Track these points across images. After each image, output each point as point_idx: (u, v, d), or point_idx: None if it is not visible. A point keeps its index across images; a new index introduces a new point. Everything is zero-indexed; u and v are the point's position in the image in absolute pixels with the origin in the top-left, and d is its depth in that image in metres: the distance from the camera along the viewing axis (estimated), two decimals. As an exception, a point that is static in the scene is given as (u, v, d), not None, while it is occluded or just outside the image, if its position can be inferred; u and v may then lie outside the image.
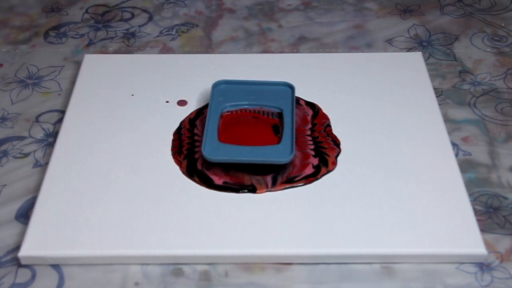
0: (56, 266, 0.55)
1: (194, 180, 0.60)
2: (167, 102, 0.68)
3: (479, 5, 0.85)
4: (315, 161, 0.61)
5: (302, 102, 0.68)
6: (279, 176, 0.60)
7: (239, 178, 0.60)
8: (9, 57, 0.77)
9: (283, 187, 0.59)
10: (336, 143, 0.63)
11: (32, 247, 0.55)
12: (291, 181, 0.59)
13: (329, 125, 0.65)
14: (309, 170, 0.60)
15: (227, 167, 0.60)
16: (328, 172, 0.60)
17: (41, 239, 0.55)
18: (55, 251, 0.54)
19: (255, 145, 0.61)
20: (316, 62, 0.74)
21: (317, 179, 0.60)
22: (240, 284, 0.53)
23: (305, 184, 0.59)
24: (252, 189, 0.59)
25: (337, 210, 0.57)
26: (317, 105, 0.68)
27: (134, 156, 0.62)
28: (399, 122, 0.65)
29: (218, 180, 0.60)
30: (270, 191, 0.59)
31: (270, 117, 0.65)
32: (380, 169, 0.61)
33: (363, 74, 0.71)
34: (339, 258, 0.55)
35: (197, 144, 0.63)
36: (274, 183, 0.59)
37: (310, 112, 0.67)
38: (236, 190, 0.59)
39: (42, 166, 0.63)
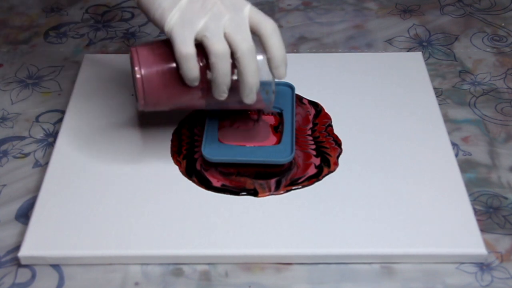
0: (56, 266, 0.55)
1: (193, 181, 0.60)
2: (167, 102, 0.68)
3: (479, 5, 0.85)
4: (317, 161, 0.61)
5: (305, 101, 0.68)
6: (283, 179, 0.60)
7: (241, 182, 0.59)
8: (9, 57, 0.77)
9: (285, 190, 0.59)
10: (338, 143, 0.63)
11: (32, 247, 0.55)
12: (294, 184, 0.59)
13: (330, 125, 0.65)
14: (312, 171, 0.60)
15: (227, 173, 0.60)
16: (330, 172, 0.60)
17: (41, 239, 0.55)
18: (55, 251, 0.54)
19: (255, 145, 0.61)
20: (316, 62, 0.74)
21: (319, 180, 0.60)
22: (240, 284, 0.53)
23: (307, 185, 0.59)
24: (254, 193, 0.59)
25: (337, 210, 0.57)
26: (320, 105, 0.67)
27: (134, 156, 0.62)
28: (399, 122, 0.65)
29: (216, 182, 0.60)
30: (272, 194, 0.59)
31: (270, 117, 0.65)
32: (380, 169, 0.61)
33: (363, 74, 0.71)
34: (339, 258, 0.55)
35: (196, 144, 0.63)
36: (277, 187, 0.59)
37: (313, 112, 0.67)
38: (236, 193, 0.59)
39: (42, 166, 0.63)
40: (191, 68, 0.53)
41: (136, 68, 0.55)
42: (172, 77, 0.55)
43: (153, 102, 0.56)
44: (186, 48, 0.53)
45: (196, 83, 0.55)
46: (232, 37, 0.53)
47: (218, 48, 0.53)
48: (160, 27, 0.54)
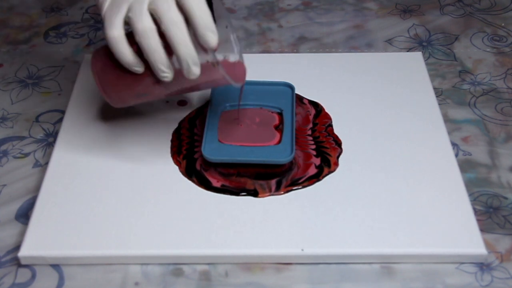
0: (56, 266, 0.55)
1: (193, 181, 0.60)
2: (167, 102, 0.68)
3: (479, 5, 0.85)
4: (317, 161, 0.61)
5: (305, 101, 0.68)
6: (284, 179, 0.60)
7: (241, 183, 0.59)
8: (9, 57, 0.77)
9: (286, 191, 0.59)
10: (338, 143, 0.63)
11: (32, 247, 0.55)
12: (294, 184, 0.59)
13: (330, 125, 0.65)
14: (312, 171, 0.60)
15: (227, 174, 0.60)
16: (330, 172, 0.60)
17: (41, 239, 0.55)
18: (55, 251, 0.54)
19: (255, 145, 0.61)
20: (316, 62, 0.74)
21: (319, 180, 0.60)
22: (240, 284, 0.53)
23: (307, 185, 0.59)
24: (254, 194, 0.59)
25: (337, 210, 0.57)
26: (320, 105, 0.67)
27: (134, 156, 0.62)
28: (399, 122, 0.65)
29: (216, 183, 0.60)
30: (273, 195, 0.59)
31: (271, 116, 0.65)
32: (380, 169, 0.61)
33: (363, 74, 0.71)
34: (339, 258, 0.55)
35: (196, 144, 0.63)
36: (278, 188, 0.59)
37: (313, 112, 0.67)
38: (236, 193, 0.59)
39: (42, 166, 0.63)
40: (122, 51, 0.52)
41: (92, 66, 0.57)
42: (122, 68, 0.55)
43: (115, 95, 0.57)
44: (112, 31, 0.52)
45: (137, 68, 0.54)
46: (155, 11, 0.51)
47: (140, 26, 0.51)
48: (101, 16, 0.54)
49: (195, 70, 0.53)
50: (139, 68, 0.54)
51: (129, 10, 0.52)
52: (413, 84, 0.70)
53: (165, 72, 0.53)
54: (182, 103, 0.68)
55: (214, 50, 0.53)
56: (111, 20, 0.52)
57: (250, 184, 0.59)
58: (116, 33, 0.52)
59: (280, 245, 0.55)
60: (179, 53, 0.52)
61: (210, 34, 0.52)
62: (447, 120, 0.67)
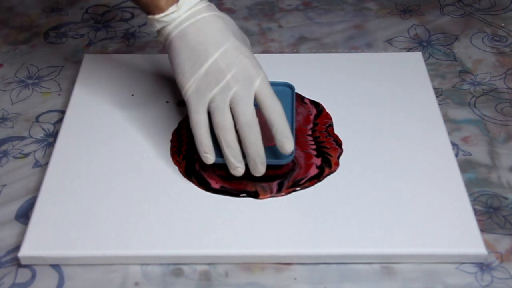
0: (56, 266, 0.55)
1: (193, 181, 0.60)
2: (167, 102, 0.68)
3: (479, 5, 0.85)
4: (317, 161, 0.61)
5: (306, 101, 0.68)
6: (286, 181, 0.60)
7: (242, 185, 0.59)
8: (9, 57, 0.77)
9: (287, 192, 0.59)
10: (338, 143, 0.63)
11: (32, 247, 0.55)
12: (296, 185, 0.59)
13: (331, 125, 0.65)
14: (313, 171, 0.60)
15: (227, 176, 0.60)
16: (331, 173, 0.60)
17: (41, 239, 0.55)
18: (55, 251, 0.54)
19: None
20: (316, 62, 0.74)
21: (320, 180, 0.60)
22: (240, 284, 0.53)
23: (308, 186, 0.59)
24: (254, 195, 0.58)
25: (337, 210, 0.57)
26: (321, 105, 0.67)
27: (134, 156, 0.62)
28: (399, 122, 0.65)
29: (215, 184, 0.59)
30: (274, 196, 0.59)
31: None
32: (380, 169, 0.61)
33: (363, 74, 0.71)
34: (339, 258, 0.55)
35: (197, 144, 0.63)
36: (280, 189, 0.59)
37: (314, 111, 0.67)
38: (236, 195, 0.59)
39: (42, 166, 0.63)
40: (202, 134, 0.57)
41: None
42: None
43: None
44: (197, 116, 0.57)
45: (208, 155, 0.58)
46: (234, 110, 0.56)
47: (218, 121, 0.56)
48: (180, 89, 0.58)
49: (261, 169, 0.57)
50: (210, 156, 0.58)
51: (211, 101, 0.56)
52: (413, 84, 0.70)
53: (238, 166, 0.57)
54: (182, 103, 0.68)
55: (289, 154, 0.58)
56: (196, 106, 0.57)
57: (251, 186, 0.59)
58: (201, 119, 0.57)
59: (280, 245, 0.55)
60: (248, 153, 0.56)
61: (287, 141, 0.56)
62: (447, 120, 0.67)
